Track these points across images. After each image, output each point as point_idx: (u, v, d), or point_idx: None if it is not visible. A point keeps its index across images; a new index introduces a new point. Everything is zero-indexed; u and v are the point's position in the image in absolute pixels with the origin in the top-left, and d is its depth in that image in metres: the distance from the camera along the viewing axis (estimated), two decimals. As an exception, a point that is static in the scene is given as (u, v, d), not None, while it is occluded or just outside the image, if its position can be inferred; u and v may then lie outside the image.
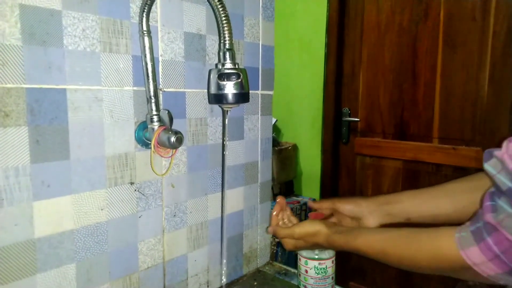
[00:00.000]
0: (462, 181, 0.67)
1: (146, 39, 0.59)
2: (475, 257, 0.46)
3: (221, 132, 0.76)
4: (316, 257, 0.74)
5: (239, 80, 0.55)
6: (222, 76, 0.55)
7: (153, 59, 0.60)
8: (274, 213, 0.78)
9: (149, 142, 0.62)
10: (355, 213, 0.74)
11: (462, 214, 0.63)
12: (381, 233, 0.61)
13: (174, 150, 0.65)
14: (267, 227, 0.79)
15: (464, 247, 0.48)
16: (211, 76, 0.56)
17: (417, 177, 1.74)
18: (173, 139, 0.59)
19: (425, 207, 0.69)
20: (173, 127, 0.62)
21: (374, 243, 0.60)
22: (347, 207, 0.74)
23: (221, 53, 0.56)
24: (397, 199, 0.71)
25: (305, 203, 1.92)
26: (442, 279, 1.62)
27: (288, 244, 0.72)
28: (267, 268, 0.90)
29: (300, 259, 0.76)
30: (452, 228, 0.50)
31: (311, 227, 0.68)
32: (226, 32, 0.54)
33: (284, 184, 2.02)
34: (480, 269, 0.46)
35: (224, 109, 0.63)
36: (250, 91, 0.74)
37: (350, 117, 1.93)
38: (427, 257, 0.54)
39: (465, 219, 0.55)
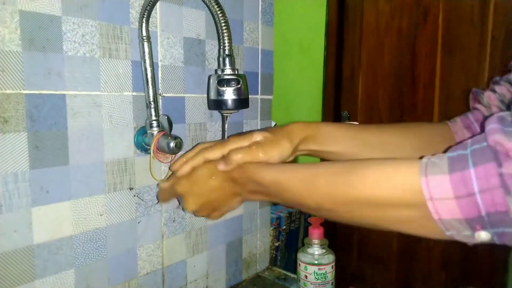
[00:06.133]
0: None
1: (146, 44, 0.59)
2: (437, 187, 0.34)
3: (220, 137, 0.76)
4: (316, 262, 0.74)
5: (239, 86, 0.55)
6: (222, 82, 0.55)
7: (152, 65, 0.60)
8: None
9: (148, 148, 0.62)
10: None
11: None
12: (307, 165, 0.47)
13: (174, 155, 0.65)
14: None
15: (428, 173, 0.35)
16: (211, 82, 0.56)
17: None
18: (172, 144, 0.59)
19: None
20: (172, 132, 0.62)
21: (296, 172, 0.47)
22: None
23: (220, 59, 0.56)
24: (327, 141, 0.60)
25: (305, 207, 1.91)
26: (443, 283, 1.62)
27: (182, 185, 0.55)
28: (266, 273, 0.90)
29: (299, 264, 0.76)
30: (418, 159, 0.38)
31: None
32: (225, 38, 0.54)
33: (284, 188, 2.02)
34: (434, 206, 0.34)
35: (224, 114, 0.63)
36: (250, 96, 0.74)
37: (349, 120, 1.93)
38: (370, 185, 0.39)
39: None
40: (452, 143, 0.59)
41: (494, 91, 0.58)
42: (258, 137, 0.54)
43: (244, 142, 0.54)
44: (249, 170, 0.51)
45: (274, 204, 1.85)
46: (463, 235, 0.35)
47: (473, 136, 0.59)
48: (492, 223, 0.32)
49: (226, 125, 0.64)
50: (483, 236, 0.33)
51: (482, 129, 0.59)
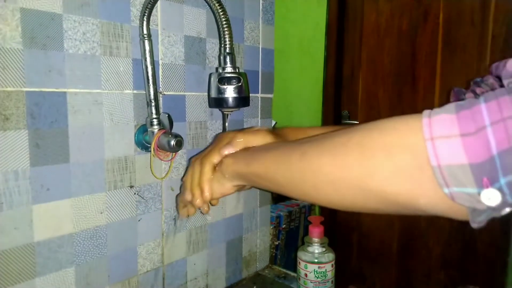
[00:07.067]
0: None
1: (147, 42, 0.59)
2: (440, 125, 0.29)
3: (221, 135, 0.76)
4: (316, 260, 0.74)
5: (240, 84, 0.55)
6: (223, 80, 0.55)
7: (153, 63, 0.60)
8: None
9: (149, 146, 0.62)
10: None
11: None
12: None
13: (174, 153, 0.65)
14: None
15: (432, 114, 0.31)
16: (212, 80, 0.56)
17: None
18: (172, 142, 0.59)
19: None
20: (173, 131, 0.62)
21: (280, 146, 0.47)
22: None
23: (221, 57, 0.56)
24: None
25: (304, 206, 1.91)
26: (443, 282, 1.62)
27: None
28: (266, 271, 0.90)
29: (299, 262, 0.76)
30: None
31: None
32: (226, 36, 0.54)
33: (284, 187, 2.02)
34: (433, 148, 0.29)
35: (224, 112, 0.63)
36: (250, 94, 0.74)
37: (349, 120, 1.94)
38: (369, 128, 0.37)
39: None
40: None
41: (475, 93, 0.55)
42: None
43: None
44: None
45: (274, 203, 1.86)
46: (466, 193, 0.28)
47: None
48: (505, 167, 0.27)
49: (226, 123, 0.64)
50: (492, 196, 0.27)
51: None
